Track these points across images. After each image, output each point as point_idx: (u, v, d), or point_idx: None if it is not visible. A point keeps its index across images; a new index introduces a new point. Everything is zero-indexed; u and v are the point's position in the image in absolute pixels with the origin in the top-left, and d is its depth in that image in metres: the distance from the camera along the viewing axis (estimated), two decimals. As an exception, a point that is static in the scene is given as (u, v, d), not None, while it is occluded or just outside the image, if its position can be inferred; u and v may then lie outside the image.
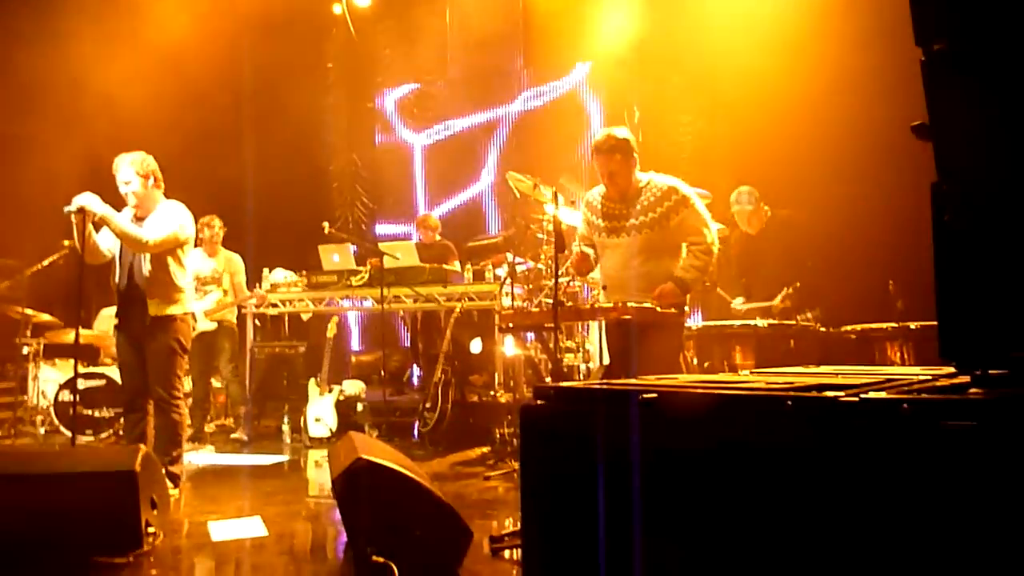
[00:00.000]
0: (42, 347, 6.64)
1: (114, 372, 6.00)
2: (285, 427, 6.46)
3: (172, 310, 4.18)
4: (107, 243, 4.15)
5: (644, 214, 3.74)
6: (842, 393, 1.34)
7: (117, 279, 4.23)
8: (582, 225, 4.07)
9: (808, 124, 6.39)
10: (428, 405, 5.88)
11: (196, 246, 6.35)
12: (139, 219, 4.17)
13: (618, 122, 4.30)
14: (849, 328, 4.72)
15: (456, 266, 6.87)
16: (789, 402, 1.39)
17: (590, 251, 3.97)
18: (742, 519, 1.41)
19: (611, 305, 3.65)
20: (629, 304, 3.55)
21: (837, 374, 1.88)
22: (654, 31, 7.95)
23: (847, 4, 6.13)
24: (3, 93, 7.01)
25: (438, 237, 7.50)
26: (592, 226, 3.94)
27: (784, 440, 1.36)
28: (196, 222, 6.23)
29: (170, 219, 4.16)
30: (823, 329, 4.84)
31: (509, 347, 5.90)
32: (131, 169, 4.09)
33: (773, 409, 1.41)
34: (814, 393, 1.40)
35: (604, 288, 3.99)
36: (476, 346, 6.39)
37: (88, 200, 3.87)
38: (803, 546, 1.33)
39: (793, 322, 4.79)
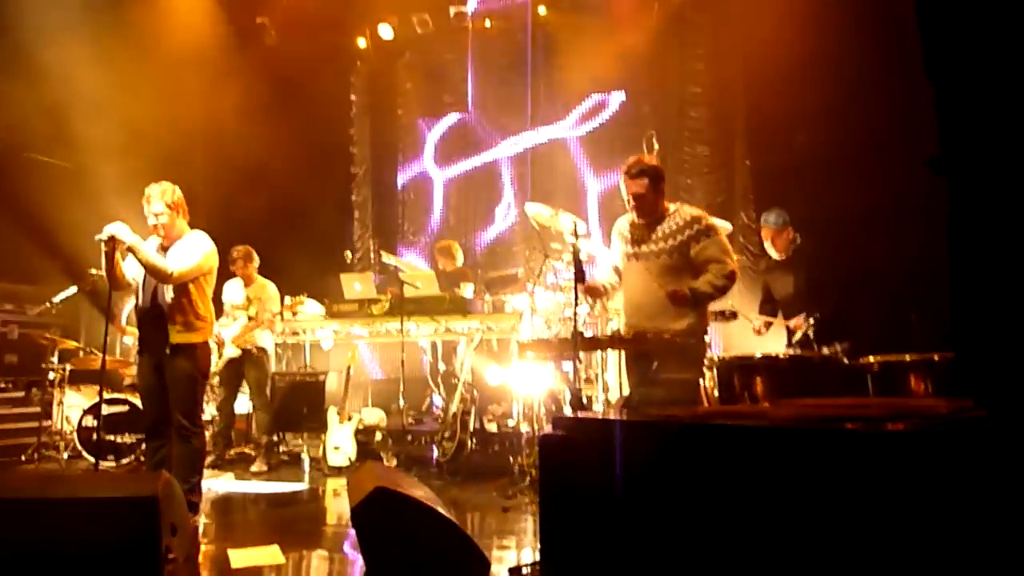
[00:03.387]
0: (67, 372, 6.74)
1: (137, 399, 6.07)
2: (304, 455, 6.48)
3: (194, 338, 4.23)
4: (131, 272, 4.24)
5: (666, 240, 3.77)
6: (860, 425, 1.34)
7: (140, 306, 4.30)
8: (611, 253, 4.09)
9: (828, 156, 6.40)
10: (447, 434, 5.87)
11: (233, 275, 6.48)
12: (164, 248, 4.25)
13: (637, 154, 4.33)
14: (871, 360, 4.66)
15: (469, 288, 6.92)
16: (808, 434, 1.39)
17: (615, 279, 4.00)
18: (762, 549, 1.40)
19: (630, 336, 3.65)
20: (648, 334, 3.55)
21: (856, 406, 1.87)
22: (671, 64, 8.04)
23: (868, 30, 6.15)
24: (33, 123, 7.22)
25: (447, 266, 7.53)
26: (620, 253, 3.98)
27: (802, 471, 1.36)
28: (232, 252, 6.39)
29: (194, 250, 4.24)
30: (846, 361, 4.79)
31: (528, 377, 5.88)
32: (161, 201, 4.19)
33: (791, 440, 1.41)
34: (832, 425, 1.40)
35: (623, 313, 4.00)
36: (493, 376, 6.39)
37: (118, 229, 3.99)
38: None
39: (813, 354, 4.74)
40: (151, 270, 4.11)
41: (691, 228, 3.76)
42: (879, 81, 6.02)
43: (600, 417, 2.03)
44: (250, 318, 6.37)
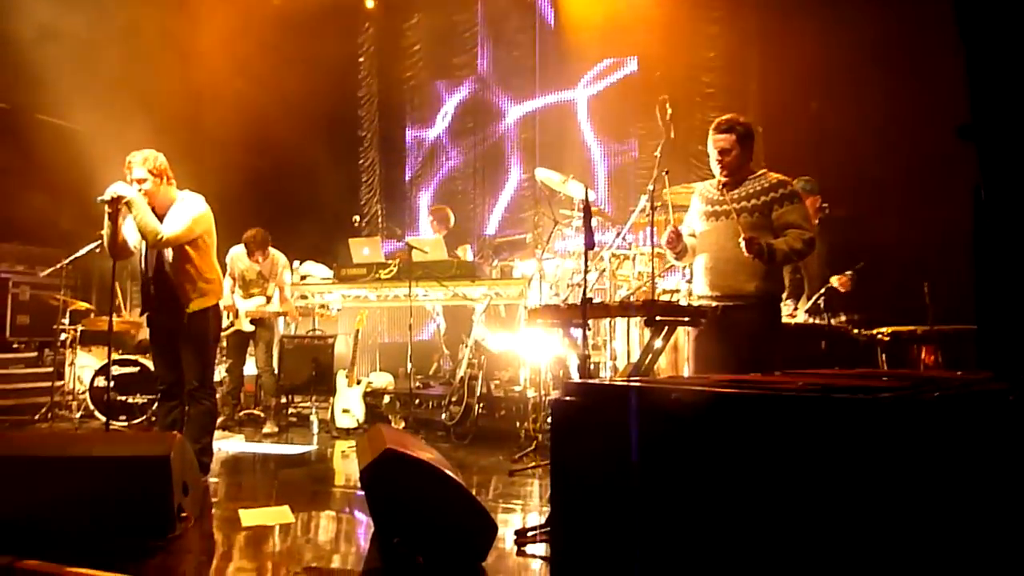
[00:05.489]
0: (79, 333, 6.79)
1: (148, 360, 6.13)
2: (313, 418, 6.55)
3: (206, 302, 4.23)
4: (133, 238, 4.19)
5: (747, 200, 3.69)
6: (871, 394, 1.33)
7: (144, 270, 4.27)
8: (689, 215, 3.99)
9: (843, 123, 6.30)
10: (454, 399, 5.91)
11: (249, 257, 6.46)
12: (159, 217, 4.19)
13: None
14: (881, 331, 4.66)
15: (468, 252, 6.95)
16: (814, 402, 1.38)
17: (693, 242, 3.90)
18: (766, 513, 1.41)
19: (628, 303, 3.61)
20: (658, 301, 3.53)
21: (870, 376, 1.86)
22: (684, 27, 7.90)
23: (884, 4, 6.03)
24: (43, 84, 7.18)
25: (439, 230, 7.50)
26: (698, 215, 3.89)
27: (805, 438, 1.36)
28: (246, 241, 6.35)
29: (185, 213, 4.16)
30: (856, 331, 4.79)
31: (534, 343, 5.90)
32: (143, 168, 4.10)
33: (798, 408, 1.41)
34: (843, 395, 1.39)
35: (697, 275, 3.90)
36: (500, 341, 6.41)
37: (121, 188, 3.97)
38: (832, 538, 1.33)
39: (824, 323, 4.74)
40: (144, 230, 4.02)
41: (775, 191, 3.68)
42: (897, 47, 5.90)
43: (610, 384, 2.03)
44: (268, 298, 6.45)
